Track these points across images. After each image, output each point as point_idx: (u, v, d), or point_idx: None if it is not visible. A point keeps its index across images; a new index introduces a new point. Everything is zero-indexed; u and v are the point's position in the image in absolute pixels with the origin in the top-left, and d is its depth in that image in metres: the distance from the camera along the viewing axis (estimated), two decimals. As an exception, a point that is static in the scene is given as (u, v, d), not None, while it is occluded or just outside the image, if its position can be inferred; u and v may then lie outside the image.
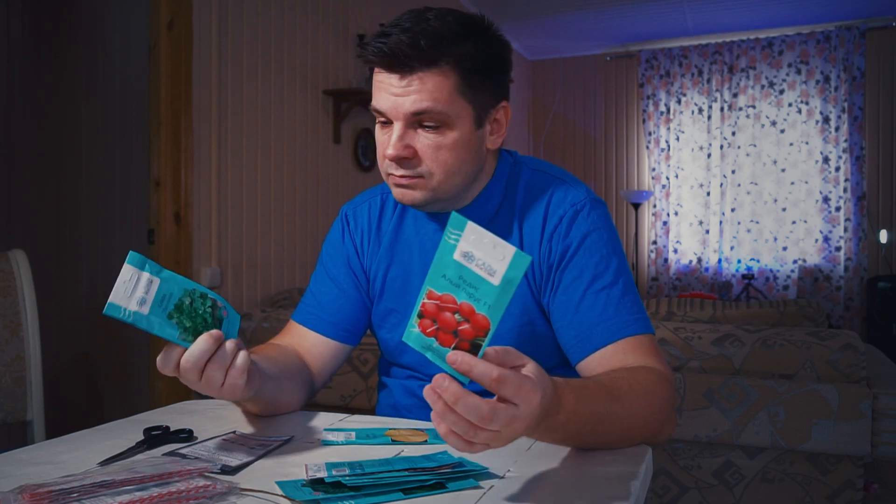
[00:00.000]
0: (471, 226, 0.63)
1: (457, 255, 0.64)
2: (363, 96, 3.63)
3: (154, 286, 0.79)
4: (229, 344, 0.82)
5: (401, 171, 0.97)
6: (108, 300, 0.78)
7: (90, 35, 3.27)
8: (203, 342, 0.80)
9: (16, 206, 3.31)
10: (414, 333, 0.67)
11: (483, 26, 0.97)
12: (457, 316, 0.64)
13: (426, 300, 0.66)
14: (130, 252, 0.79)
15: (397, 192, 1.00)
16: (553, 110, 6.50)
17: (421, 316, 0.66)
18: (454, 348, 0.64)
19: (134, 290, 0.79)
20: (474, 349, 0.64)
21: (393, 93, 0.94)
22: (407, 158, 0.96)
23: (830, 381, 1.75)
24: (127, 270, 0.79)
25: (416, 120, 0.94)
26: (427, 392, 0.63)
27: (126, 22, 3.14)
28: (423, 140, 0.95)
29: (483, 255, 0.62)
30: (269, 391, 0.94)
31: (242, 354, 0.83)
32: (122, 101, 3.16)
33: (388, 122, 0.97)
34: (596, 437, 0.80)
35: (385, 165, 0.99)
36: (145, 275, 0.79)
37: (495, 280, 0.62)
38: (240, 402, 0.96)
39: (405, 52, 0.91)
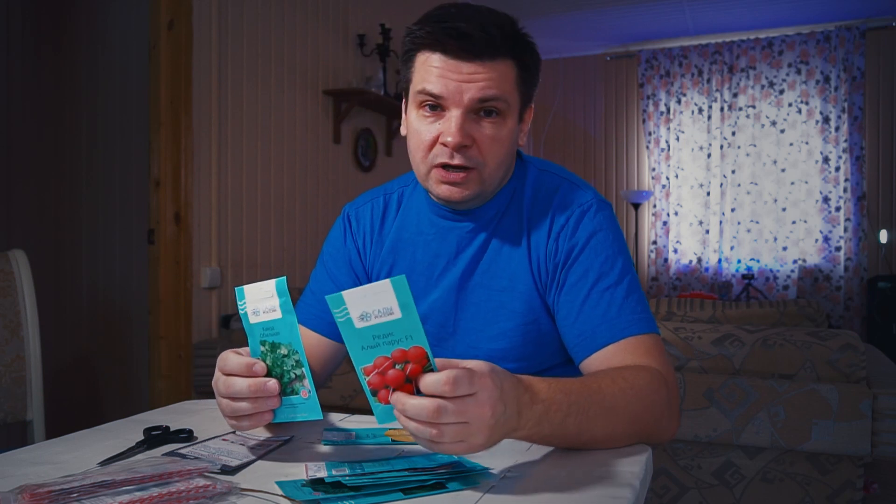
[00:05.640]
0: (344, 295, 0.66)
1: (358, 325, 0.67)
2: (363, 96, 3.63)
3: (273, 315, 0.79)
4: (268, 404, 0.81)
5: (457, 160, 0.94)
6: (242, 286, 0.80)
7: (90, 35, 3.27)
8: (252, 388, 0.80)
9: (16, 206, 3.31)
10: (382, 410, 0.70)
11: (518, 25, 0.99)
12: (397, 366, 0.67)
13: (367, 378, 0.69)
14: (283, 278, 0.79)
15: (445, 190, 0.97)
16: (553, 110, 6.50)
17: (375, 393, 0.69)
18: (417, 391, 0.68)
19: (260, 300, 0.79)
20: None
21: (458, 78, 0.92)
22: (466, 147, 0.94)
23: (830, 381, 1.75)
24: (269, 286, 0.78)
25: (479, 107, 0.94)
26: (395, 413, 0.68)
27: (126, 22, 3.14)
28: (483, 129, 0.95)
29: (372, 305, 0.66)
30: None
31: (268, 416, 0.83)
32: (122, 101, 3.16)
33: (435, 109, 0.95)
34: (584, 431, 0.79)
35: (434, 154, 0.96)
36: (277, 301, 0.78)
37: (397, 314, 0.65)
38: None
39: (481, 39, 0.91)
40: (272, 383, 0.80)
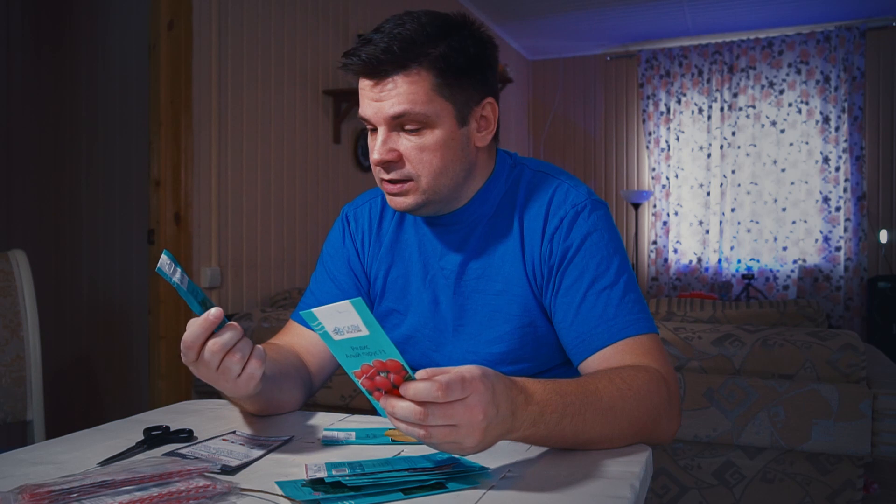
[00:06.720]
0: (315, 312, 0.68)
1: (335, 337, 0.68)
2: (363, 96, 3.62)
3: (184, 281, 0.81)
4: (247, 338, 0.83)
5: (389, 176, 0.98)
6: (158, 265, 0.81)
7: (90, 35, 3.27)
8: (231, 332, 0.80)
9: (16, 206, 3.31)
10: (380, 407, 0.72)
11: (460, 25, 0.98)
12: (382, 374, 0.69)
13: (360, 381, 0.70)
14: (165, 251, 0.81)
15: (390, 201, 1.02)
16: (553, 110, 6.50)
17: (370, 393, 0.71)
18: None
19: (174, 272, 0.81)
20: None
21: (373, 98, 0.96)
22: (392, 162, 0.97)
23: (830, 381, 1.75)
24: (164, 260, 0.80)
25: (397, 123, 0.95)
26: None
27: (126, 22, 3.14)
28: (406, 143, 0.96)
29: (341, 322, 0.67)
30: (268, 390, 0.94)
31: (259, 348, 0.84)
32: (122, 101, 3.16)
33: (375, 129, 0.99)
34: (581, 432, 0.79)
35: (375, 172, 1.01)
36: (178, 271, 0.81)
37: (364, 331, 0.67)
38: (238, 400, 0.96)
39: (379, 58, 0.93)
40: (215, 311, 0.80)
